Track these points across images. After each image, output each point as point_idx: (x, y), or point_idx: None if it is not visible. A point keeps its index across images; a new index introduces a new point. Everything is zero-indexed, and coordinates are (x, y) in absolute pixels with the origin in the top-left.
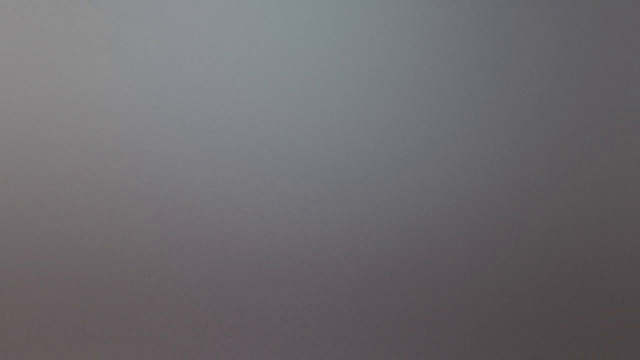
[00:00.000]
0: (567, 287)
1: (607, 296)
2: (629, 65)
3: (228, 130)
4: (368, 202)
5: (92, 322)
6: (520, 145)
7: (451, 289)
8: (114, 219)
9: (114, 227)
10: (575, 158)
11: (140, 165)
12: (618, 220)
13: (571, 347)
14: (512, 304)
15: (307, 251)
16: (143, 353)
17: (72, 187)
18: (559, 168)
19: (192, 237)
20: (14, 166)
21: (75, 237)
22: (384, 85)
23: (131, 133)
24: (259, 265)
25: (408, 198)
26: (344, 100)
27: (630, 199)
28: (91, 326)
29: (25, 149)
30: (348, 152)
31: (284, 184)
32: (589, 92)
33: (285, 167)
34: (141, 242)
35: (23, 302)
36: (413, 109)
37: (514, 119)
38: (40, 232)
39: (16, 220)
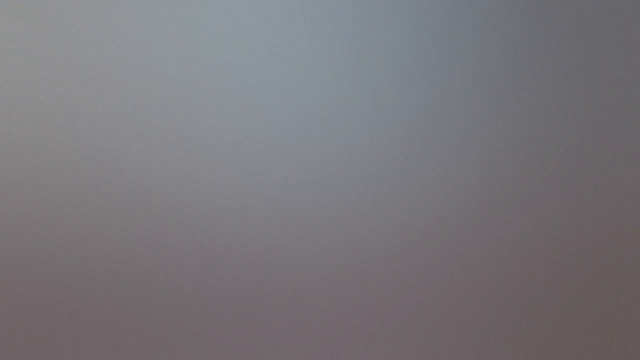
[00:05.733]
0: (568, 290)
1: (607, 298)
2: (631, 67)
3: (227, 129)
4: (368, 201)
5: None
6: (521, 145)
7: (451, 288)
8: (111, 216)
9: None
10: (576, 160)
11: (139, 163)
12: (619, 225)
13: (570, 347)
14: (513, 303)
15: (306, 251)
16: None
17: (68, 184)
18: (561, 170)
19: (189, 236)
20: (9, 167)
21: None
22: (384, 85)
23: (127, 133)
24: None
25: (406, 196)
26: (342, 100)
27: (631, 203)
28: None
29: (23, 148)
30: (347, 152)
31: (281, 183)
32: (592, 94)
33: (284, 165)
34: (139, 242)
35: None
36: (412, 109)
37: (514, 119)
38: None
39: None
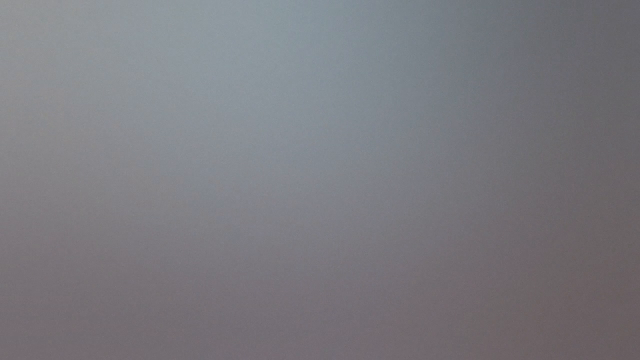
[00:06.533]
0: (568, 293)
1: (608, 298)
2: (631, 67)
3: (227, 129)
4: (369, 202)
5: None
6: (522, 148)
7: (452, 289)
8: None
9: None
10: (577, 160)
11: (139, 163)
12: (619, 226)
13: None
14: (514, 305)
15: (308, 254)
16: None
17: (70, 182)
18: (562, 171)
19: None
20: (13, 167)
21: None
22: (386, 86)
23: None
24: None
25: (408, 198)
26: (343, 101)
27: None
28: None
29: (24, 150)
30: (348, 153)
31: (282, 184)
32: (594, 98)
33: (284, 166)
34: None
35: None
36: (414, 110)
37: (515, 121)
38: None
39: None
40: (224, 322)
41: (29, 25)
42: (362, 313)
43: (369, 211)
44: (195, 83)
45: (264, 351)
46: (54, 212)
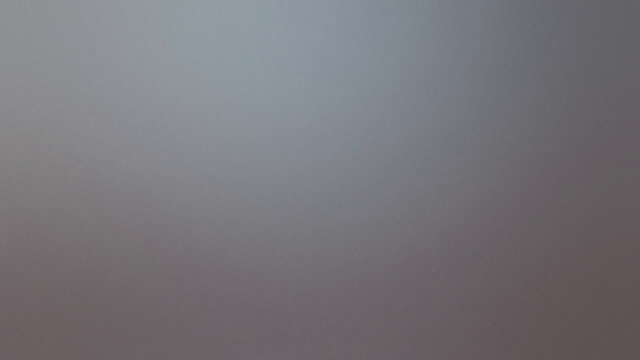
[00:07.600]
0: (568, 293)
1: (608, 299)
2: (631, 67)
3: (227, 132)
4: (369, 204)
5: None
6: (521, 147)
7: (455, 291)
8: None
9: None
10: (577, 163)
11: (142, 163)
12: (619, 227)
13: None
14: (513, 305)
15: (308, 254)
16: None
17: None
18: (561, 173)
19: (190, 237)
20: (13, 169)
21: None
22: (387, 87)
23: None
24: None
25: (409, 200)
26: (342, 100)
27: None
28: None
29: (24, 152)
30: (347, 152)
31: (282, 184)
32: (591, 96)
33: (285, 169)
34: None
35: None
36: (416, 112)
37: (514, 121)
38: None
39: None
40: (224, 322)
41: (28, 25)
42: (362, 313)
43: (369, 210)
44: (195, 82)
45: (264, 351)
46: (54, 211)
